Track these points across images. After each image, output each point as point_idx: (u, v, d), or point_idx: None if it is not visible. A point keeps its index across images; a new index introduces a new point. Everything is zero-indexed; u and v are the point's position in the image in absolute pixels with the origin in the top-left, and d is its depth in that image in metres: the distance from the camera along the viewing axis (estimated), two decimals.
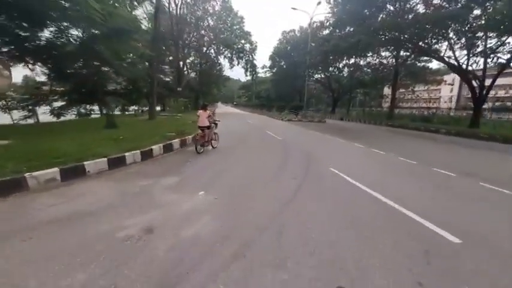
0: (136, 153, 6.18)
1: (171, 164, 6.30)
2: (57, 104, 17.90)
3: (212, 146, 8.62)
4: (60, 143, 6.33)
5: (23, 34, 9.09)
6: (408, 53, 25.01)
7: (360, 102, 61.01)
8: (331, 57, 25.46)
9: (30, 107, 16.16)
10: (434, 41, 19.22)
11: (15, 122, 14.98)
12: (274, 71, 50.30)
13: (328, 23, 30.25)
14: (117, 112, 29.03)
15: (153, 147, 6.85)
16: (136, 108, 29.37)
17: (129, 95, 22.56)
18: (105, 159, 5.32)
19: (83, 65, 12.65)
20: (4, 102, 15.51)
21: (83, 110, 19.22)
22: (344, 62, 35.90)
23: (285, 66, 49.99)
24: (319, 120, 23.22)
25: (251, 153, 8.34)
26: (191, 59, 35.34)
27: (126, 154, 5.88)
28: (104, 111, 19.95)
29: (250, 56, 38.53)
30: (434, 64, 29.15)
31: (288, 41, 47.90)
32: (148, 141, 7.39)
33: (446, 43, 19.24)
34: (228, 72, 75.59)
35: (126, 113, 28.72)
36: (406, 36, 18.98)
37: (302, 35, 43.87)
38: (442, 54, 20.07)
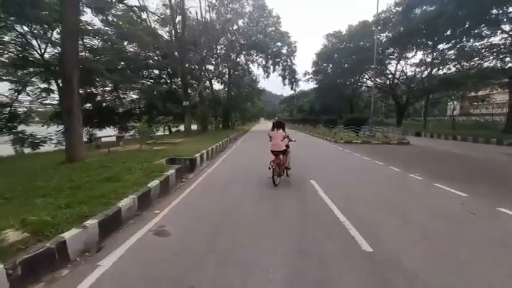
0: None
1: None
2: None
3: (287, 175, 6.38)
4: None
5: None
6: None
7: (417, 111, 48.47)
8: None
9: None
10: None
11: None
12: (318, 77, 42.19)
13: None
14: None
15: None
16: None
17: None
18: None
19: None
20: None
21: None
22: (421, 53, 26.36)
23: (331, 73, 41.58)
24: (400, 142, 14.32)
25: None
26: (211, 67, 29.75)
27: None
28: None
29: (289, 60, 31.41)
30: None
31: (333, 44, 39.66)
32: None
33: None
34: (264, 83, 69.71)
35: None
36: None
37: (352, 34, 35.37)
38: None
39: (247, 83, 35.12)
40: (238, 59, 32.19)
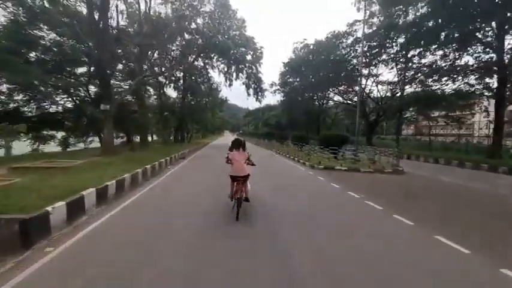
0: None
1: None
2: None
3: (247, 198, 4.95)
4: None
5: None
6: None
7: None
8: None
9: None
10: None
11: None
12: (285, 90, 39.54)
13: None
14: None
15: None
16: None
17: None
18: None
19: None
20: None
21: None
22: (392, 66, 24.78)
23: (298, 86, 39.28)
24: (395, 169, 10.86)
25: None
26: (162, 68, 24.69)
27: None
28: None
29: (254, 68, 27.79)
30: None
31: (300, 57, 37.57)
32: None
33: None
34: (227, 93, 65.48)
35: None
36: None
37: (321, 47, 33.56)
38: None
39: (206, 91, 30.48)
40: (196, 62, 27.60)
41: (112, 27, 15.93)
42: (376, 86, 28.80)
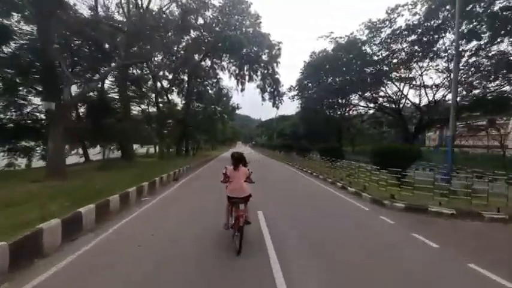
0: None
1: None
2: None
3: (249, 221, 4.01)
4: None
5: None
6: None
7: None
8: None
9: None
10: None
11: None
12: (305, 95, 34.99)
13: None
14: None
15: None
16: None
17: None
18: None
19: None
20: None
21: None
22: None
23: (317, 93, 34.67)
24: None
25: None
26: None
27: None
28: None
29: (270, 68, 23.65)
30: None
31: (324, 56, 33.00)
32: None
33: None
34: (238, 99, 61.09)
35: None
36: None
37: (341, 49, 28.80)
38: None
39: (215, 96, 26.57)
40: (203, 63, 23.91)
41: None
42: (422, 89, 23.61)
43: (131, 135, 13.51)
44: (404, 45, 18.93)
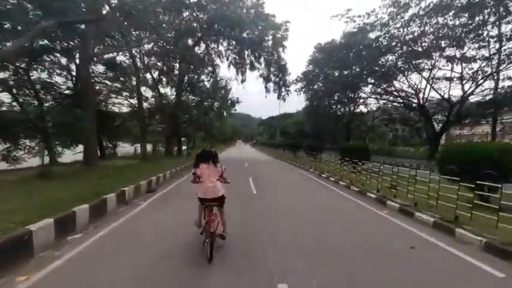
0: None
1: None
2: None
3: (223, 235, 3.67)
4: None
5: None
6: None
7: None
8: None
9: None
10: None
11: None
12: (312, 88, 31.70)
13: None
14: None
15: None
16: None
17: None
18: None
19: None
20: None
21: None
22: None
23: (323, 88, 31.29)
24: None
25: None
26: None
27: None
28: None
29: (275, 54, 20.23)
30: None
31: (327, 53, 29.32)
32: None
33: None
34: (238, 95, 57.03)
35: None
36: None
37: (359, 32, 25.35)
38: None
39: (212, 88, 23.15)
40: (197, 48, 20.50)
41: None
42: (450, 80, 20.20)
43: (83, 132, 9.98)
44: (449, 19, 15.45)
